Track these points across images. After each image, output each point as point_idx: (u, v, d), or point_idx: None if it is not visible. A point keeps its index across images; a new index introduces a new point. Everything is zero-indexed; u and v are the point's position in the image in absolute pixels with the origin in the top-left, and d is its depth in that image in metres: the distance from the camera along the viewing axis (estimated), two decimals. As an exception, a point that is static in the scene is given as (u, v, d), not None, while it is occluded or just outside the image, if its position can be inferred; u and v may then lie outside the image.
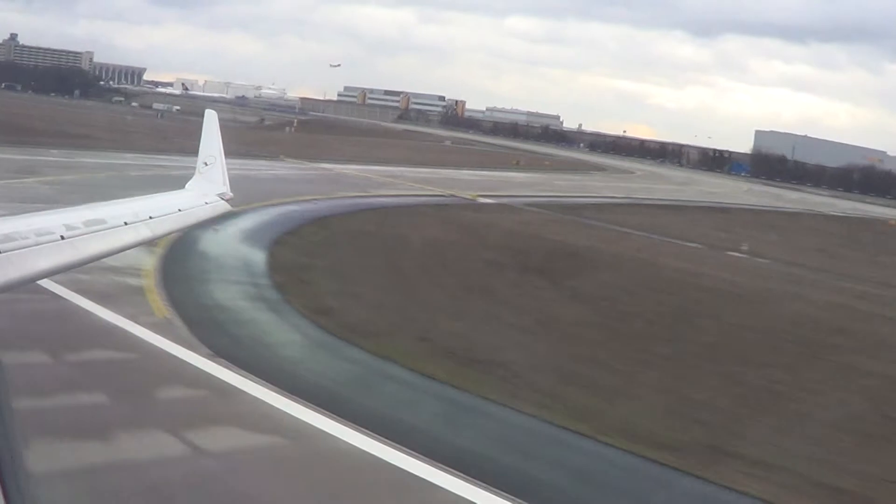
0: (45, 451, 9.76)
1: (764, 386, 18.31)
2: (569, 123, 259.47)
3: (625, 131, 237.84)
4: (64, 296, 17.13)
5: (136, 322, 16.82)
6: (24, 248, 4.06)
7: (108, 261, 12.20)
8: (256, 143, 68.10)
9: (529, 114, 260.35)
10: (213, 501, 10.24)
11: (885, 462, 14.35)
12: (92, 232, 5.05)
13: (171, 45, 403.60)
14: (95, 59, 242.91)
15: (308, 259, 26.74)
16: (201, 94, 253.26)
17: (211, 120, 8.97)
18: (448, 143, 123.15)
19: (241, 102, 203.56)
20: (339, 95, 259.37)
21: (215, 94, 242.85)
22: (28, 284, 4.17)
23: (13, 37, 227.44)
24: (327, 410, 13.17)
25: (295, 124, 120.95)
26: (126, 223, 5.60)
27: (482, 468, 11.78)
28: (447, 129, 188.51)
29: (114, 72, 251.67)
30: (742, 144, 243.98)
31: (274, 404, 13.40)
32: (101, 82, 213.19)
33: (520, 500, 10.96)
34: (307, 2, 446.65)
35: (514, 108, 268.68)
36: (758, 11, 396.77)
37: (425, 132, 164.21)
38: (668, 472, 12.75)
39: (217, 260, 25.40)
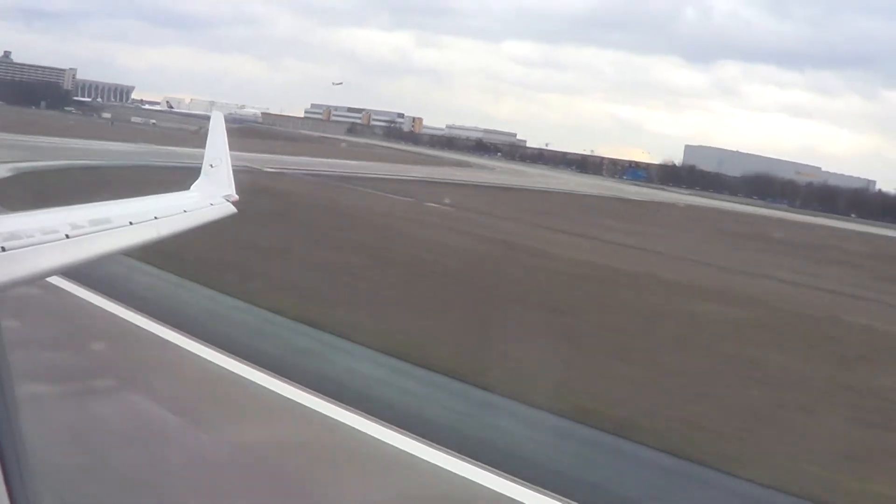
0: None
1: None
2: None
3: (547, 144, 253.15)
4: None
5: None
6: (29, 246, 4.02)
7: None
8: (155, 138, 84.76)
9: (487, 131, 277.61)
10: None
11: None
12: (97, 231, 5.03)
13: (167, 66, 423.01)
14: (81, 77, 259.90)
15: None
16: (186, 111, 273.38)
17: (217, 122, 9.08)
18: (344, 145, 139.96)
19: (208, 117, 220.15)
20: (305, 112, 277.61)
21: (198, 112, 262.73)
22: (33, 282, 4.15)
23: (6, 54, 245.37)
24: None
25: (197, 129, 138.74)
26: (131, 223, 5.61)
27: None
28: (389, 140, 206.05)
29: (101, 89, 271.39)
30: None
31: None
32: (77, 97, 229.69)
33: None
34: (306, 24, 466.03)
35: (475, 125, 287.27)
36: (751, 37, 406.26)
37: (346, 139, 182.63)
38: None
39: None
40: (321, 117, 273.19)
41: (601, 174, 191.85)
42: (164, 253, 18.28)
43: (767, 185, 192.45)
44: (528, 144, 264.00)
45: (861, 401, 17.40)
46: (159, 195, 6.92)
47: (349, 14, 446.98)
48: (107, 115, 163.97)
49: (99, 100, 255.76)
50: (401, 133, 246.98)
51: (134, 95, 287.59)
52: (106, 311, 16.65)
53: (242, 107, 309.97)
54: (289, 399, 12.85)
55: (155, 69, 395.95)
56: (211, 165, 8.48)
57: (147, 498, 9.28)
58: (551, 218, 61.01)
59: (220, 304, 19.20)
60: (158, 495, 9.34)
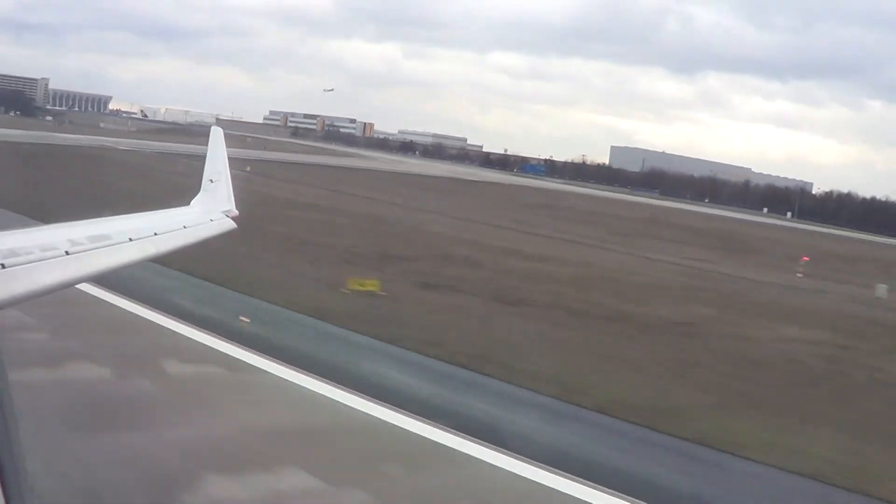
0: None
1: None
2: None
3: (506, 150, 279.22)
4: None
5: None
6: (28, 263, 4.00)
7: None
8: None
9: (436, 135, 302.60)
10: None
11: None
12: (96, 248, 4.97)
13: (150, 76, 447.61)
14: (56, 87, 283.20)
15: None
16: (161, 119, 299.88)
17: (217, 137, 9.08)
18: (250, 140, 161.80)
19: (174, 125, 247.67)
20: (264, 118, 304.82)
21: (171, 120, 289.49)
22: (33, 300, 4.14)
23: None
24: None
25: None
26: (131, 239, 5.54)
27: None
28: (325, 142, 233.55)
29: (78, 99, 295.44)
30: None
31: None
32: (49, 106, 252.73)
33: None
34: (293, 35, 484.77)
35: (426, 130, 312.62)
36: (733, 47, 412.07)
37: (276, 139, 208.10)
38: None
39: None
40: (279, 123, 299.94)
41: (506, 170, 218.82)
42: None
43: (660, 178, 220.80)
44: (483, 149, 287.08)
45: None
46: (160, 210, 7.13)
47: (336, 26, 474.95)
48: (49, 118, 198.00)
49: (76, 109, 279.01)
50: (346, 136, 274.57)
51: (112, 105, 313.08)
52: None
53: (217, 115, 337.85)
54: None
55: (140, 80, 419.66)
56: (211, 180, 8.72)
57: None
58: (348, 185, 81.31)
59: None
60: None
